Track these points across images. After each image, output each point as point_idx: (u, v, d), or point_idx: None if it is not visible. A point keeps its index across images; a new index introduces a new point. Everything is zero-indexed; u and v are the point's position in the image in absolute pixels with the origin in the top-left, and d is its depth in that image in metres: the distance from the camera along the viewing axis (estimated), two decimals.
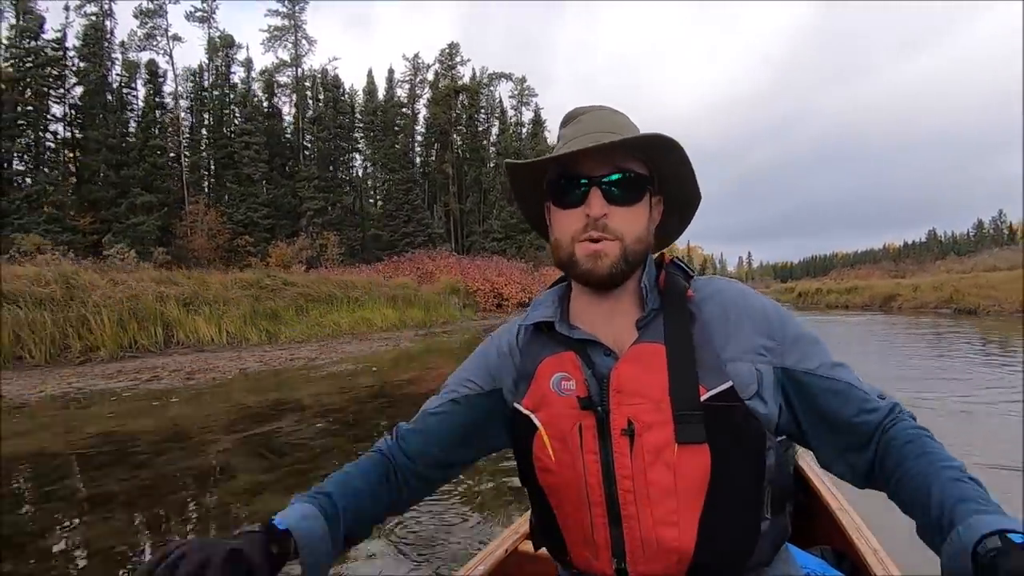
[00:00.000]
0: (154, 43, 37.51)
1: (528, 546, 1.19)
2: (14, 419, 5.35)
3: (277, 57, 43.05)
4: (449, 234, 44.51)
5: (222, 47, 39.69)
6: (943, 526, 0.50)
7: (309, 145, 42.87)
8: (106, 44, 35.54)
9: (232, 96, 39.99)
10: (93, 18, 34.64)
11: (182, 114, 38.46)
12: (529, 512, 0.99)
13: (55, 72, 32.91)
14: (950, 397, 5.19)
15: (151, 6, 36.47)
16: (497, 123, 50.15)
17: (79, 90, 34.51)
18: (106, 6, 34.87)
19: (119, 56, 36.63)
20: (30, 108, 31.84)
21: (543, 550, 0.77)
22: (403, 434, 0.75)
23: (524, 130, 50.81)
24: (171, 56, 37.54)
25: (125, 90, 36.64)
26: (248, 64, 41.06)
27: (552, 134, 52.34)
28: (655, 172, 0.69)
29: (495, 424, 0.75)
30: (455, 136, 47.62)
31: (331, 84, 43.35)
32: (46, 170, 32.27)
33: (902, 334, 12.89)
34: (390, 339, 14.24)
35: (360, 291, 18.34)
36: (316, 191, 39.22)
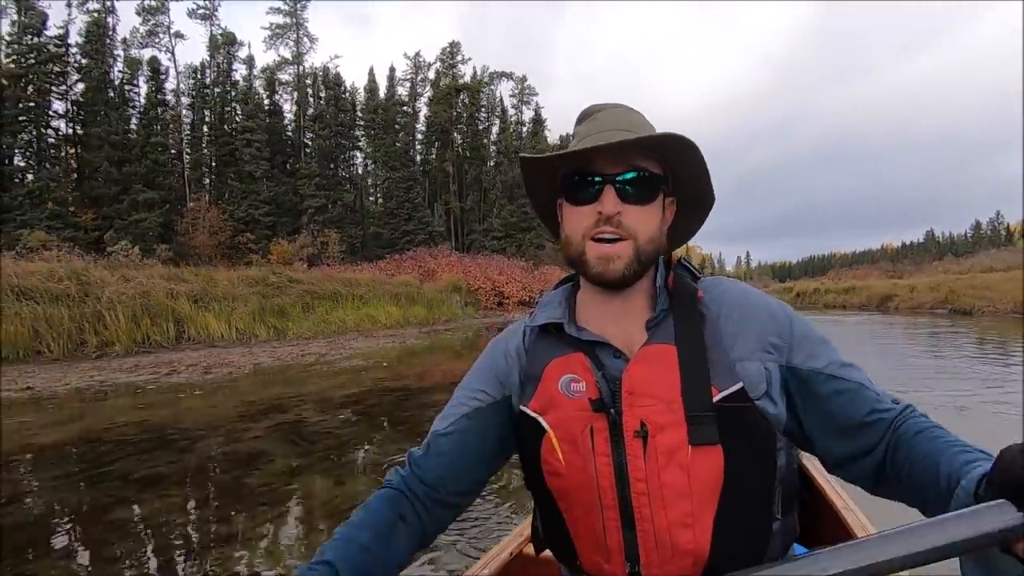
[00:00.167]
0: (156, 40, 37.61)
1: (533, 549, 1.22)
2: (49, 409, 5.61)
3: (279, 55, 43.19)
4: (449, 232, 44.71)
5: (224, 44, 39.80)
6: (950, 490, 0.49)
7: (310, 143, 43.01)
8: (108, 41, 35.59)
9: (234, 93, 40.12)
10: (95, 15, 34.69)
11: (184, 111, 38.54)
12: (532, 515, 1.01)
13: (57, 69, 32.98)
14: (948, 394, 5.38)
15: (153, 3, 36.57)
16: (498, 122, 50.33)
17: (81, 87, 34.57)
18: (108, 3, 34.92)
19: (121, 53, 36.71)
20: (32, 104, 31.89)
21: (550, 553, 0.76)
22: (416, 461, 0.71)
23: (524, 129, 50.98)
24: (173, 53, 37.66)
25: (127, 87, 36.73)
26: (250, 61, 41.19)
27: (552, 133, 52.37)
28: (669, 172, 0.69)
29: (511, 431, 0.73)
30: (456, 135, 47.78)
31: (332, 82, 43.48)
32: (48, 166, 32.34)
33: (900, 334, 13.21)
34: (395, 336, 14.49)
35: (364, 289, 18.59)
36: (317, 189, 39.38)
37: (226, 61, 40.45)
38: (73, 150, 35.13)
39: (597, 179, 0.65)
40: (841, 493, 1.35)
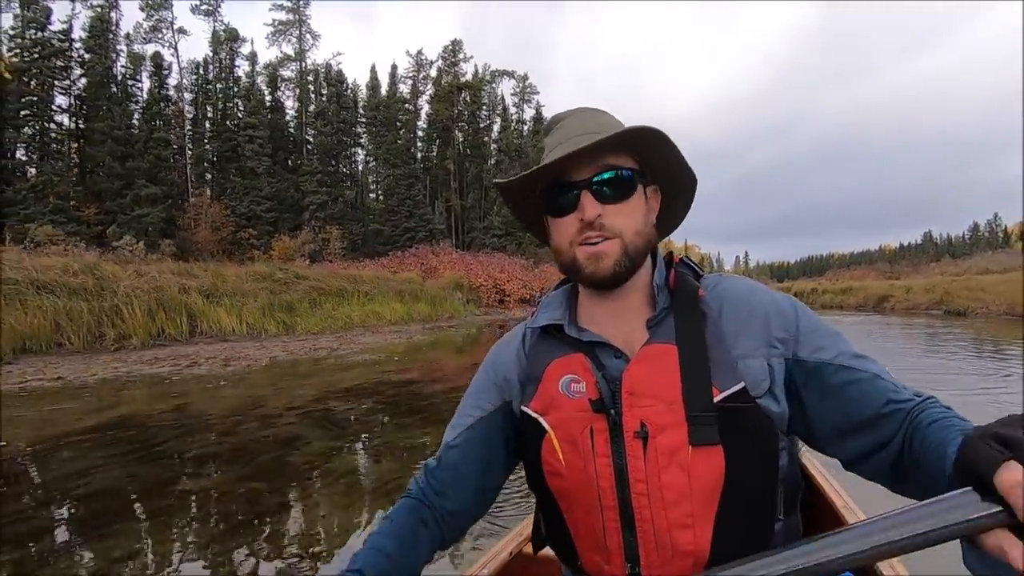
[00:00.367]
0: (159, 36, 37.74)
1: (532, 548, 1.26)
2: (85, 397, 5.92)
3: (281, 51, 43.35)
4: (450, 230, 44.99)
5: (226, 40, 39.94)
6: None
7: (312, 139, 43.18)
8: (111, 36, 35.71)
9: (236, 89, 40.28)
10: (99, 9, 34.80)
11: (186, 107, 38.68)
12: (537, 513, 1.06)
13: (61, 63, 33.11)
14: (945, 391, 5.59)
15: None
16: (499, 120, 50.55)
17: (83, 81, 34.70)
18: None
19: (124, 48, 36.85)
20: (35, 99, 31.99)
21: (549, 552, 0.77)
22: (431, 472, 0.74)
23: (525, 127, 51.23)
24: (176, 49, 37.80)
25: (130, 82, 36.85)
26: (252, 58, 41.36)
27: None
28: (645, 164, 0.69)
29: (514, 435, 0.74)
30: (457, 133, 48.02)
31: (335, 79, 43.65)
32: (51, 161, 32.47)
33: (895, 334, 13.55)
34: (401, 332, 14.81)
35: (368, 285, 18.89)
36: (319, 185, 39.59)
37: (228, 57, 40.59)
38: (76, 145, 35.29)
39: (572, 187, 0.65)
40: (840, 492, 1.34)
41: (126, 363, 8.46)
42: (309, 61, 43.74)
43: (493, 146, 49.96)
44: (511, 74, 51.19)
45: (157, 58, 36.61)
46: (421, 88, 49.00)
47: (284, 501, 2.99)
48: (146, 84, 36.89)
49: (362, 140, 46.76)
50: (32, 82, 31.99)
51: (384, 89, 47.18)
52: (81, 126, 34.88)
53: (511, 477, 0.77)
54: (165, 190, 33.99)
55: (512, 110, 51.63)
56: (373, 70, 46.90)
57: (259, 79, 42.11)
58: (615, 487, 0.62)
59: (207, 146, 39.77)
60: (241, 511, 2.84)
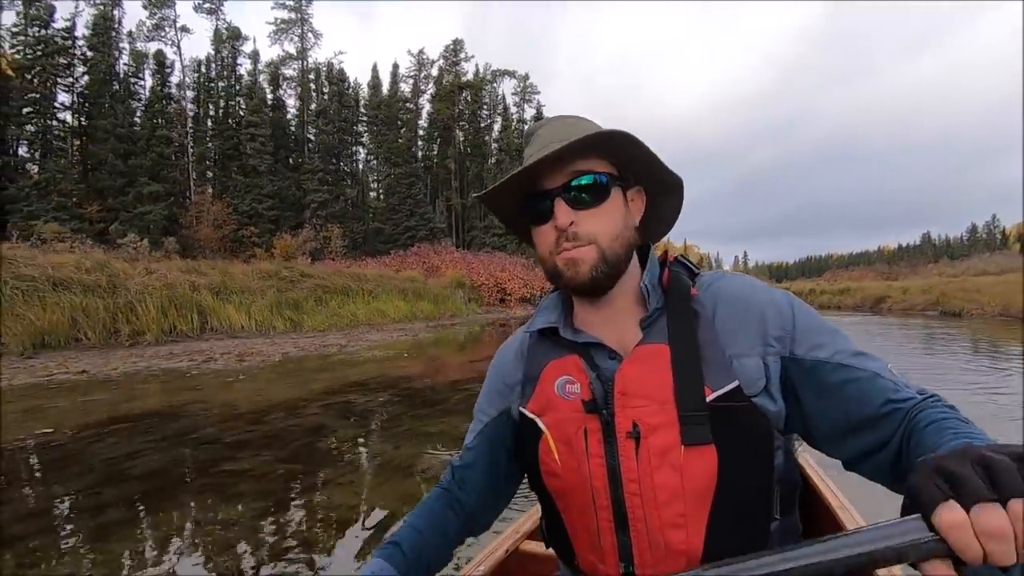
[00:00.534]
0: (162, 34, 37.92)
1: (529, 546, 1.23)
2: (113, 389, 6.19)
3: (283, 50, 43.59)
4: (450, 229, 45.26)
5: (228, 39, 40.13)
6: None
7: (313, 138, 43.41)
8: (114, 34, 35.89)
9: (238, 88, 40.47)
10: (102, 7, 34.98)
11: (188, 105, 38.86)
12: (531, 511, 1.15)
13: (64, 61, 33.29)
14: (943, 389, 5.94)
15: None
16: (500, 120, 50.80)
17: (86, 79, 34.86)
18: None
19: (127, 46, 37.03)
20: (36, 95, 32.12)
21: (545, 550, 0.79)
22: (455, 468, 0.78)
23: (526, 127, 51.40)
24: (179, 47, 37.99)
25: (132, 80, 37.03)
26: (255, 56, 41.56)
27: None
28: (625, 167, 0.69)
29: (513, 441, 0.76)
30: (458, 132, 48.29)
31: (336, 78, 43.86)
32: (54, 158, 32.61)
33: (896, 334, 13.85)
34: (406, 330, 15.08)
35: (372, 284, 19.15)
36: (320, 184, 39.83)
37: (231, 55, 40.79)
38: (78, 142, 35.45)
39: (546, 195, 0.66)
40: (837, 492, 1.35)
41: (143, 358, 8.72)
42: (311, 60, 44.01)
43: (494, 145, 50.22)
44: (512, 74, 51.48)
45: (160, 56, 36.80)
46: (422, 87, 49.26)
47: (321, 480, 3.27)
48: (148, 82, 37.16)
49: (363, 139, 47.01)
50: (35, 79, 32.16)
51: (385, 88, 47.43)
52: (84, 123, 35.09)
53: None
54: (167, 188, 34.21)
55: (513, 110, 51.93)
56: (375, 69, 47.14)
57: (261, 77, 42.33)
58: (608, 487, 0.63)
59: (209, 144, 39.98)
60: (283, 488, 3.12)
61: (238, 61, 41.23)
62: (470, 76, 49.43)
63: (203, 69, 40.06)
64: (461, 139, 48.67)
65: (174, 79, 37.84)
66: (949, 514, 0.34)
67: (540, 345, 0.74)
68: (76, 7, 34.48)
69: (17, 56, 31.59)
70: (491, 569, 1.10)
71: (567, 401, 0.67)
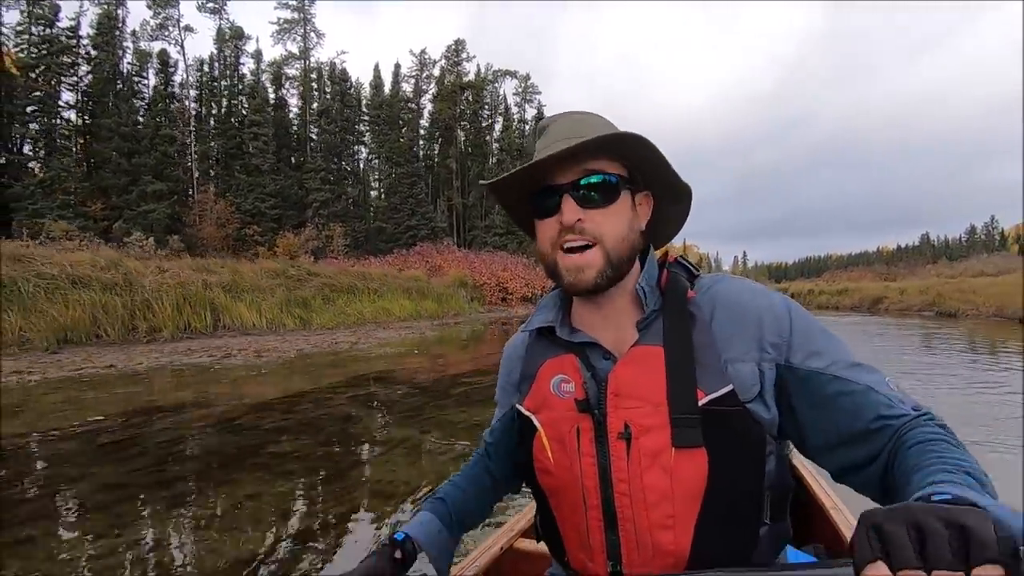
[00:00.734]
0: (166, 33, 38.14)
1: (523, 543, 1.25)
2: (143, 382, 6.51)
3: (286, 49, 43.83)
4: (452, 228, 45.57)
5: (232, 38, 40.39)
6: None
7: (315, 137, 43.67)
8: (118, 33, 36.12)
9: (241, 87, 40.73)
10: (106, 7, 35.21)
11: (191, 104, 39.10)
12: (525, 510, 1.17)
13: (68, 60, 33.52)
14: (940, 387, 5.93)
15: None
16: (501, 120, 51.09)
17: (90, 78, 35.07)
18: None
19: (130, 45, 37.28)
20: (39, 94, 32.30)
21: (539, 547, 0.82)
22: (486, 443, 0.85)
23: (527, 127, 51.78)
24: (182, 46, 38.20)
25: (136, 79, 37.27)
26: (257, 56, 41.81)
27: None
28: (635, 170, 0.69)
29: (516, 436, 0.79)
30: (459, 132, 48.57)
31: (339, 77, 44.12)
32: (59, 156, 32.82)
33: (893, 333, 14.17)
34: (411, 328, 15.39)
35: (377, 283, 19.46)
36: (322, 183, 40.11)
37: (234, 55, 41.04)
38: (82, 141, 35.68)
39: (555, 190, 0.66)
40: (830, 493, 1.35)
41: (163, 354, 9.03)
42: (313, 59, 44.23)
43: (495, 145, 50.51)
44: (513, 74, 51.75)
45: (163, 55, 37.01)
46: (424, 87, 49.51)
47: (359, 460, 3.60)
48: (152, 81, 37.38)
49: (365, 138, 47.29)
50: (40, 78, 32.38)
51: (387, 88, 47.69)
52: (88, 122, 35.32)
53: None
54: (171, 186, 34.44)
55: (514, 110, 52.21)
56: (376, 69, 47.39)
57: (264, 77, 42.57)
58: (599, 486, 0.64)
59: (212, 143, 40.21)
60: (326, 467, 3.44)
61: (241, 60, 41.48)
62: (471, 76, 49.72)
63: (206, 68, 40.33)
64: (462, 139, 48.96)
65: (177, 78, 38.09)
66: (875, 575, 0.35)
67: (538, 344, 0.75)
68: (81, 6, 34.71)
69: (22, 55, 31.79)
70: (486, 566, 1.12)
71: (562, 400, 0.68)
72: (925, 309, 23.62)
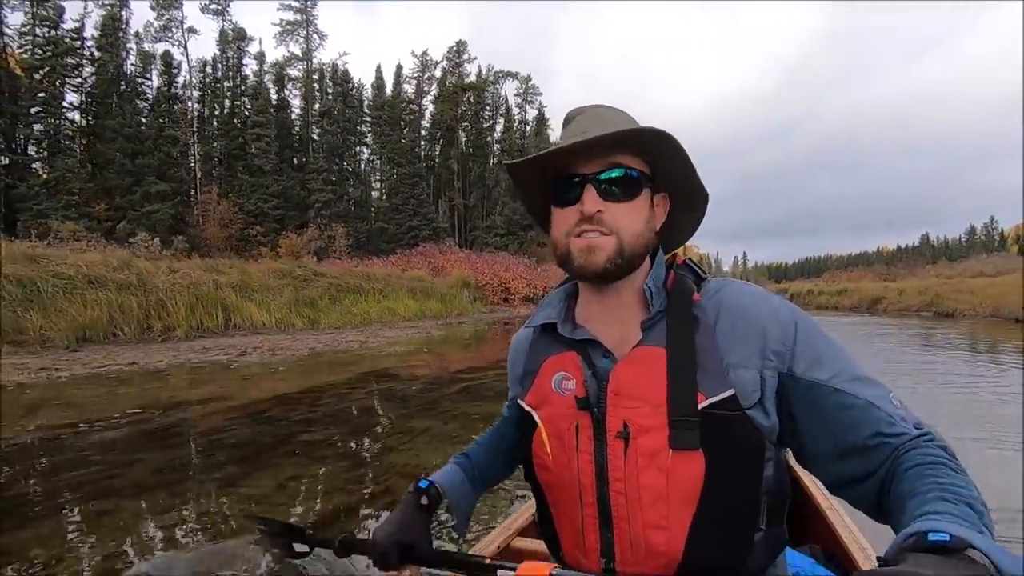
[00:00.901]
0: (169, 35, 38.41)
1: (522, 542, 1.26)
2: (168, 378, 6.78)
3: (288, 50, 44.11)
4: (453, 229, 45.86)
5: (234, 40, 40.67)
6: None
7: (317, 137, 43.95)
8: (122, 34, 36.38)
9: (243, 88, 41.00)
10: (110, 8, 35.47)
11: (195, 105, 39.36)
12: (523, 508, 1.23)
13: (72, 61, 33.76)
14: (940, 386, 6.07)
15: None
16: (502, 121, 51.37)
17: (94, 79, 35.31)
18: None
19: (134, 46, 37.56)
20: (43, 95, 32.51)
21: (539, 546, 0.84)
22: (503, 418, 0.89)
23: (528, 128, 52.06)
24: (185, 48, 38.48)
25: (139, 80, 37.53)
26: (260, 57, 42.09)
27: (556, 132, 53.73)
28: (657, 170, 0.69)
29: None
30: (460, 133, 48.86)
31: (341, 78, 44.40)
32: (63, 157, 33.04)
33: (891, 332, 14.44)
34: (417, 328, 15.67)
35: (381, 283, 19.72)
36: (324, 183, 40.38)
37: (236, 56, 41.32)
38: (86, 141, 35.91)
39: (577, 179, 0.66)
40: (826, 494, 1.34)
41: (180, 352, 9.29)
42: (316, 61, 44.52)
43: (496, 146, 50.77)
44: (515, 75, 52.04)
45: (167, 56, 37.29)
46: (425, 88, 49.80)
47: (386, 447, 3.88)
48: (155, 82, 37.66)
49: (367, 139, 47.58)
50: (44, 79, 32.62)
51: (389, 89, 47.97)
52: (91, 123, 35.57)
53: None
54: (174, 187, 34.70)
55: (515, 111, 52.49)
56: (378, 70, 47.66)
57: (266, 78, 42.83)
58: (595, 484, 0.64)
59: (214, 144, 40.47)
60: (356, 454, 3.72)
61: (244, 62, 41.77)
62: (473, 77, 50.01)
63: (209, 69, 40.60)
64: (464, 140, 49.25)
65: (181, 79, 38.36)
66: None
67: (541, 340, 0.75)
68: (85, 8, 34.98)
69: (26, 56, 32.03)
70: None
71: (562, 397, 0.69)
72: (923, 309, 23.86)
